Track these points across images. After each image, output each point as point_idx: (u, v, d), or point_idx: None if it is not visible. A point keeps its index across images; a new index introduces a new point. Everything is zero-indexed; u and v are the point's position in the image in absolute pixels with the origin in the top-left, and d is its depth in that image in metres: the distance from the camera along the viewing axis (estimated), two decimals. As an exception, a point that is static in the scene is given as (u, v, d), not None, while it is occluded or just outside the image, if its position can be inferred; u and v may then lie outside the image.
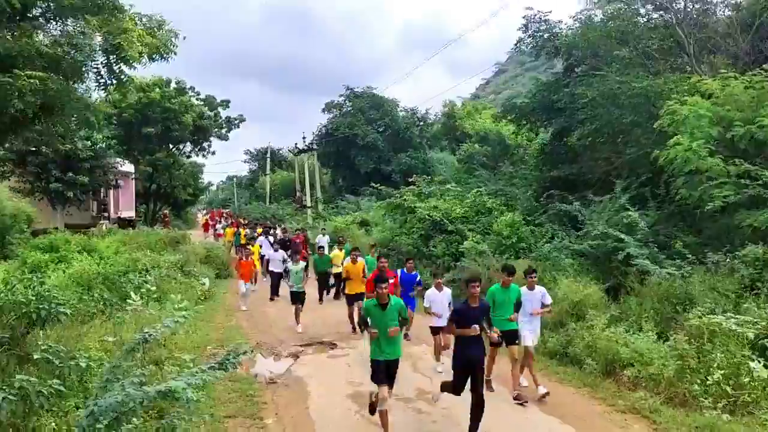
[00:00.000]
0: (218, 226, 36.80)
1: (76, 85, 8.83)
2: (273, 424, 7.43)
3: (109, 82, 8.69)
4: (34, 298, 9.14)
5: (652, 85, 15.31)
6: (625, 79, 15.83)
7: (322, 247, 17.64)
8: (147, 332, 5.04)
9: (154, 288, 12.01)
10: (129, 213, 40.13)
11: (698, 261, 11.06)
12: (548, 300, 8.74)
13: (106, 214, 36.34)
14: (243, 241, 21.59)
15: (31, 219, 26.35)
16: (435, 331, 9.87)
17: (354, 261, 13.03)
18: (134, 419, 4.35)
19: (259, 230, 27.22)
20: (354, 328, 12.38)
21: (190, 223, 54.28)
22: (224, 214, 52.06)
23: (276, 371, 9.82)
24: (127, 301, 10.23)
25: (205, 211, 66.33)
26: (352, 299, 12.82)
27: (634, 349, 8.45)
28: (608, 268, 12.69)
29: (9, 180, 27.06)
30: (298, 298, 13.58)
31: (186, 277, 17.37)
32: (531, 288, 8.64)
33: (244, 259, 16.11)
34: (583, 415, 7.72)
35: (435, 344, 9.98)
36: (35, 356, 6.58)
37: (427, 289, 10.27)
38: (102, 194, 35.66)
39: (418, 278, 11.97)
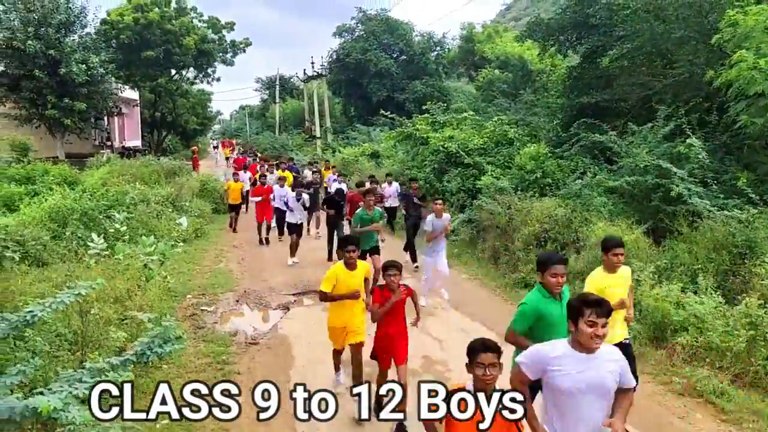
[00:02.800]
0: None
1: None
2: (242, 401, 6.00)
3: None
4: (-28, 239, 7.80)
5: (706, -7, 13.05)
6: (675, -13, 13.57)
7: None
8: (22, 315, 3.52)
9: (124, 228, 10.54)
10: (135, 142, 38.69)
11: (762, 201, 9.30)
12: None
13: (109, 143, 34.93)
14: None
15: (27, 148, 25.05)
16: None
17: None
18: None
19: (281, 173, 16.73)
20: None
21: (201, 154, 52.59)
22: (234, 145, 50.07)
23: (259, 329, 8.44)
24: (88, 243, 8.78)
25: (215, 142, 63.80)
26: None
27: (694, 313, 6.79)
28: (646, 208, 10.96)
29: (4, 106, 25.60)
30: None
31: (177, 213, 15.96)
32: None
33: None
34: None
35: None
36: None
37: None
38: (105, 122, 34.17)
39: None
